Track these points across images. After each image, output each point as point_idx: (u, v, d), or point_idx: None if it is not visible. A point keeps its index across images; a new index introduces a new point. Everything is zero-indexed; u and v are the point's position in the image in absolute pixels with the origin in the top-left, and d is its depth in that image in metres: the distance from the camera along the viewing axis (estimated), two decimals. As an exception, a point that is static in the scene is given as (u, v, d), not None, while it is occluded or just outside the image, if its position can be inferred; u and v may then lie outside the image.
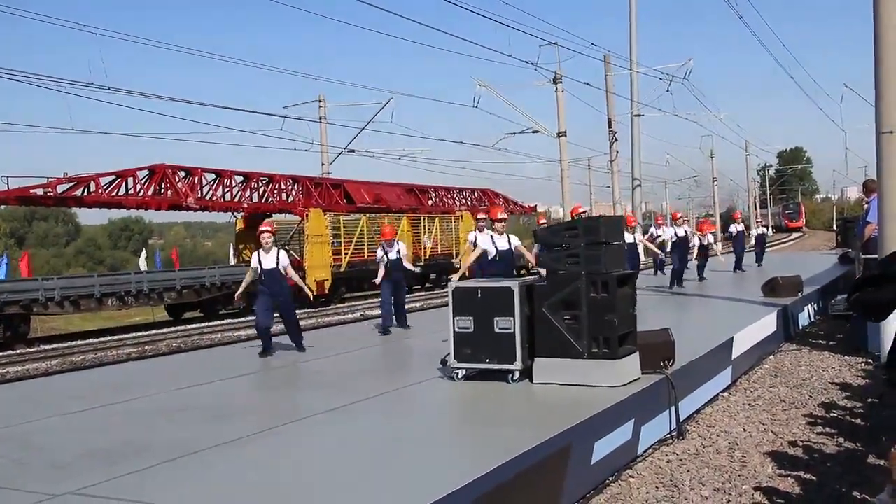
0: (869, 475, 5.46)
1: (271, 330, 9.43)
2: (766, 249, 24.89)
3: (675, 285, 15.95)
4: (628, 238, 13.68)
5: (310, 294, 10.86)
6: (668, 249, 16.97)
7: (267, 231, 9.34)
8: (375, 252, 11.74)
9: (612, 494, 5.41)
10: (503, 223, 9.24)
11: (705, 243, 17.56)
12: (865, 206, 11.68)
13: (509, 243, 9.14)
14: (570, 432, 5.16)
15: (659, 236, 18.68)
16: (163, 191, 23.29)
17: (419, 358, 8.41)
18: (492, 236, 9.23)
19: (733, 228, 21.31)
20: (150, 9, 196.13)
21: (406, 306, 11.81)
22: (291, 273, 9.42)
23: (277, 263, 9.17)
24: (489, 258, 9.10)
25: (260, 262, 9.21)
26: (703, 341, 8.34)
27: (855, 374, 9.06)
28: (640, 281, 13.29)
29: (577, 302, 6.44)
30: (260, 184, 26.54)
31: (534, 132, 31.03)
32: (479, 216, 12.53)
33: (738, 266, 20.20)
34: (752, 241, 26.33)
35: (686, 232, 17.33)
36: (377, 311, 15.99)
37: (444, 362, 7.32)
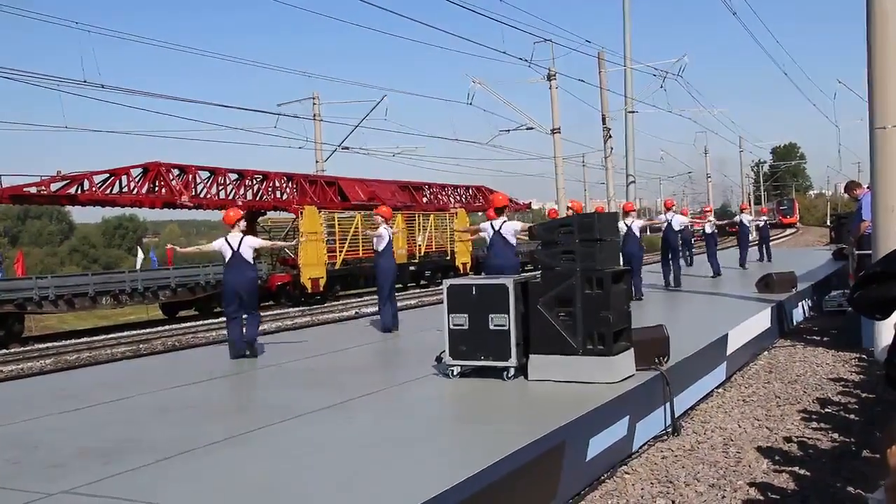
0: (863, 470, 5.48)
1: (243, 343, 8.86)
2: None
3: (673, 284, 15.34)
4: (634, 225, 13.64)
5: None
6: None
7: (230, 213, 8.98)
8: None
9: (607, 491, 5.42)
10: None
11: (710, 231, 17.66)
12: (857, 202, 11.69)
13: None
14: (565, 429, 5.17)
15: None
16: (157, 189, 23.22)
17: (414, 355, 8.41)
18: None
19: (746, 220, 20.69)
20: (142, 6, 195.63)
21: (398, 304, 11.74)
22: (266, 244, 9.61)
23: (240, 246, 8.70)
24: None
25: (229, 242, 8.72)
26: (698, 337, 8.35)
27: (849, 370, 9.08)
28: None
29: (571, 298, 6.45)
30: (254, 182, 26.50)
31: (528, 129, 31.03)
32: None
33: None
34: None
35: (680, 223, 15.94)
36: (372, 309, 15.94)
37: (439, 359, 7.32)
